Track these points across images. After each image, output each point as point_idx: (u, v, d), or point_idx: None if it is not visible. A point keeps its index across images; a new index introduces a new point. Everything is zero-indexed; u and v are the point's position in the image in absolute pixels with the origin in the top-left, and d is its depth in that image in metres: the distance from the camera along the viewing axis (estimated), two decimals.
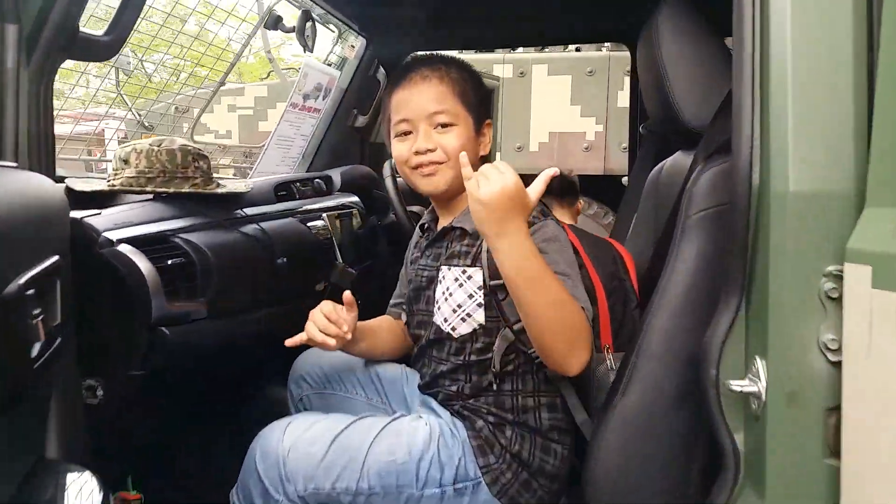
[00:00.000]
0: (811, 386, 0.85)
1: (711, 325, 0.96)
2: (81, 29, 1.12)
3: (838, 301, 0.83)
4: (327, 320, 1.29)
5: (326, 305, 1.31)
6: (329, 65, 2.60)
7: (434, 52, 1.42)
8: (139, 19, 1.23)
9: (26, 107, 0.96)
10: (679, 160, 1.33)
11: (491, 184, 1.05)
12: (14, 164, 0.94)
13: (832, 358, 0.84)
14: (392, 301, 1.56)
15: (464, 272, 1.26)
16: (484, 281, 1.23)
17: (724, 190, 1.04)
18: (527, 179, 1.21)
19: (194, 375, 1.39)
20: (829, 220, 0.84)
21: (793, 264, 0.87)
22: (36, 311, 0.78)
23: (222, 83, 2.77)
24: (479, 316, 1.24)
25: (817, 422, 0.85)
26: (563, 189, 3.98)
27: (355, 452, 1.16)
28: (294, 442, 1.16)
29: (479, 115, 1.33)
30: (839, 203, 0.84)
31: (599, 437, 1.13)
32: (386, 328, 1.50)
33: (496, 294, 1.21)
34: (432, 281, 1.32)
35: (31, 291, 0.75)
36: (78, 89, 2.86)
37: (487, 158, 1.37)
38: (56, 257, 0.86)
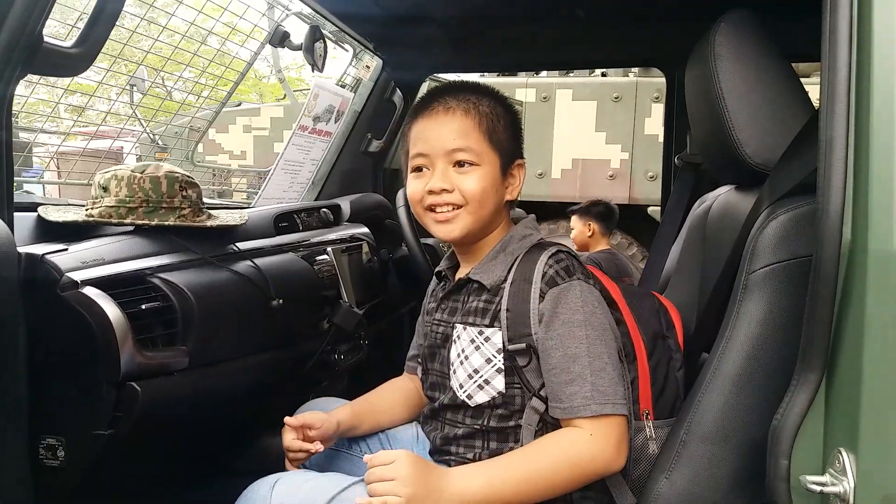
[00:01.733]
0: None
1: (783, 406, 0.79)
2: (46, 39, 0.97)
3: None
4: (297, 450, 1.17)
5: (286, 439, 1.18)
6: (343, 86, 2.47)
7: (464, 80, 1.25)
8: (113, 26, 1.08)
9: None
10: (733, 200, 1.16)
11: (398, 473, 0.98)
12: None
13: None
14: (409, 354, 1.39)
15: (481, 333, 1.11)
16: (503, 344, 1.08)
17: (798, 241, 0.87)
18: (549, 206, 1.07)
19: (171, 431, 1.22)
20: None
21: (893, 337, 0.69)
22: None
23: (225, 102, 2.64)
24: (499, 383, 1.09)
25: None
26: (603, 215, 3.87)
27: None
28: (283, 501, 1.00)
29: (508, 155, 1.17)
30: None
31: None
32: (392, 400, 1.35)
33: (516, 359, 1.07)
34: (447, 339, 1.17)
35: None
36: (98, 105, 2.78)
37: (513, 204, 1.21)
38: None
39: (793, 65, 1.06)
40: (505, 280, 1.12)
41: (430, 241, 2.10)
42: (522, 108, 4.32)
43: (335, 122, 2.40)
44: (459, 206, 1.12)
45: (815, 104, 1.05)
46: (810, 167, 0.86)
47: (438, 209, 1.13)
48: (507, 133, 1.17)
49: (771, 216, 0.90)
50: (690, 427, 0.92)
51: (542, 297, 1.07)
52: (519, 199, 1.24)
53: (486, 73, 5.32)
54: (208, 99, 2.99)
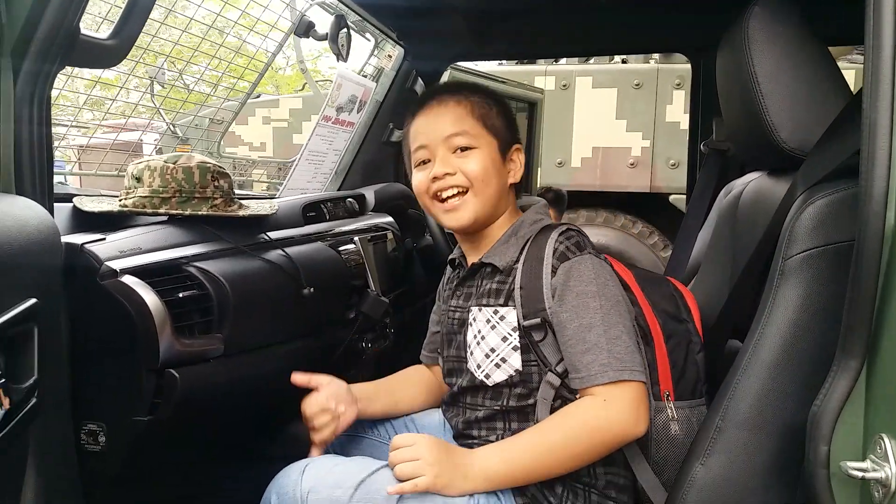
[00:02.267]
0: None
1: (823, 392, 0.78)
2: (83, 31, 0.98)
3: None
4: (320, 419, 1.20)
5: (307, 403, 1.20)
6: (364, 76, 2.47)
7: (456, 80, 1.28)
8: (162, 24, 1.09)
9: (11, 120, 0.83)
10: (766, 186, 1.15)
11: (422, 454, 1.02)
12: None
13: None
14: (425, 343, 1.42)
15: (496, 312, 1.13)
16: (518, 321, 1.10)
17: (836, 226, 0.86)
18: (570, 195, 1.08)
19: (208, 418, 1.24)
20: None
21: None
22: None
23: (250, 94, 2.65)
24: (516, 361, 1.11)
25: None
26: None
27: (384, 502, 1.00)
28: (314, 484, 1.02)
29: (505, 140, 1.21)
30: None
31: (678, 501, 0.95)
32: (410, 382, 1.38)
33: (531, 335, 1.09)
34: (463, 323, 1.20)
35: None
36: (119, 98, 2.81)
37: (519, 186, 1.24)
38: (31, 301, 0.72)
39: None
40: (517, 261, 1.14)
41: None
42: (542, 96, 4.28)
43: (357, 112, 2.41)
44: (465, 191, 1.15)
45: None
46: (849, 151, 0.85)
47: (446, 196, 1.16)
48: (500, 119, 1.21)
49: (808, 201, 0.89)
50: (726, 413, 0.92)
51: (553, 271, 1.10)
52: (542, 187, 1.26)
53: (504, 62, 5.30)
54: (232, 90, 3.01)
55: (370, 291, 1.61)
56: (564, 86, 5.02)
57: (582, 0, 2.09)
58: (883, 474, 0.72)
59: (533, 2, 2.15)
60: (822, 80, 1.00)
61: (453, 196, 1.16)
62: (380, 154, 2.53)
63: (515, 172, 1.22)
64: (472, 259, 1.24)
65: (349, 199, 1.90)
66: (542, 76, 5.06)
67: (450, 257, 1.33)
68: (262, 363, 1.29)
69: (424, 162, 1.19)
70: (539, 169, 4.69)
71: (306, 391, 1.22)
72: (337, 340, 1.55)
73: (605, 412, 1.01)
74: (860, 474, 0.74)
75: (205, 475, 1.39)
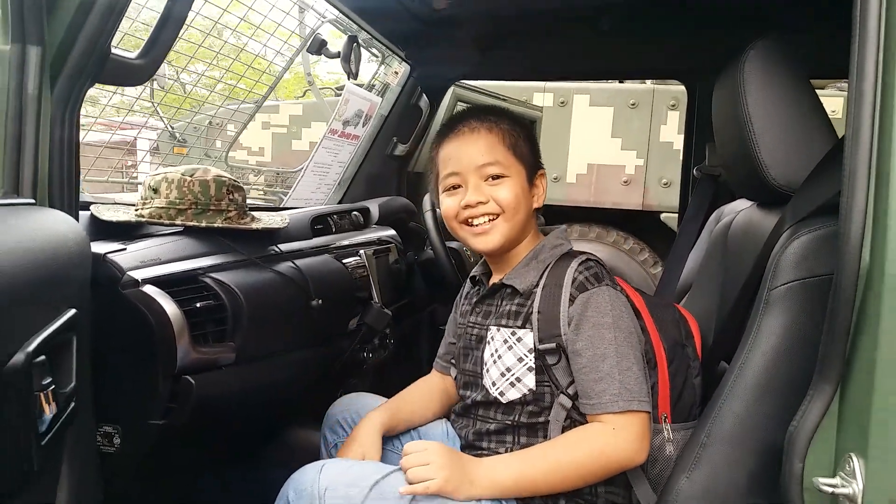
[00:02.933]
0: None
1: (800, 413, 0.85)
2: (114, 50, 1.04)
3: None
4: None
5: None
6: (370, 90, 2.53)
7: (483, 104, 1.34)
8: (176, 40, 1.15)
9: (48, 136, 0.88)
10: (755, 217, 1.21)
11: (432, 460, 1.08)
12: (32, 202, 0.86)
13: None
14: (440, 352, 1.46)
15: (513, 334, 1.19)
16: (534, 344, 1.15)
17: (819, 261, 0.93)
18: (564, 210, 1.15)
19: (219, 423, 1.30)
20: None
21: None
22: (46, 382, 0.69)
23: (261, 104, 2.71)
24: (530, 381, 1.16)
25: None
26: None
27: (396, 502, 1.06)
28: (331, 483, 1.07)
29: (531, 166, 1.26)
30: None
31: None
32: (425, 397, 1.42)
33: (546, 358, 1.14)
34: (481, 340, 1.25)
35: (41, 358, 0.66)
36: (115, 97, 2.83)
37: (538, 212, 1.29)
38: (72, 311, 0.77)
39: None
40: (537, 285, 1.19)
41: (454, 244, 2.17)
42: (541, 115, 4.35)
43: (363, 125, 2.47)
44: (496, 216, 1.19)
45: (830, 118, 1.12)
46: (832, 191, 0.92)
47: (476, 222, 1.20)
48: (527, 146, 1.26)
49: (793, 236, 0.96)
50: (711, 431, 0.99)
51: (571, 300, 1.14)
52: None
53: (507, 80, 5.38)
54: (230, 94, 3.06)
55: (374, 303, 1.67)
56: (562, 103, 5.10)
57: (582, 26, 2.17)
58: (851, 490, 0.79)
59: (534, 25, 2.22)
60: (810, 123, 1.07)
61: (484, 222, 1.21)
62: (383, 167, 2.60)
63: (539, 197, 1.27)
64: (496, 276, 1.29)
65: (354, 213, 1.96)
66: (541, 93, 5.14)
67: (471, 274, 1.37)
68: (271, 371, 1.35)
69: (455, 187, 1.23)
70: None
71: (313, 398, 1.28)
72: (340, 350, 1.60)
73: (614, 440, 1.07)
74: (830, 489, 0.80)
75: (214, 478, 1.44)
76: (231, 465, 1.50)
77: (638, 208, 4.98)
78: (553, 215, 4.64)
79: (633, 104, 4.96)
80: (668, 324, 1.28)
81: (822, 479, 0.81)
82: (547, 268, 1.20)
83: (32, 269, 0.71)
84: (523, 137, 1.26)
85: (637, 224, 5.08)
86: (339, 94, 5.71)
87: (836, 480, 0.81)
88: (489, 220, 1.20)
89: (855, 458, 0.79)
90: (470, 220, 1.21)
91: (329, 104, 5.55)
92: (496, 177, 1.21)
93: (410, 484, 1.07)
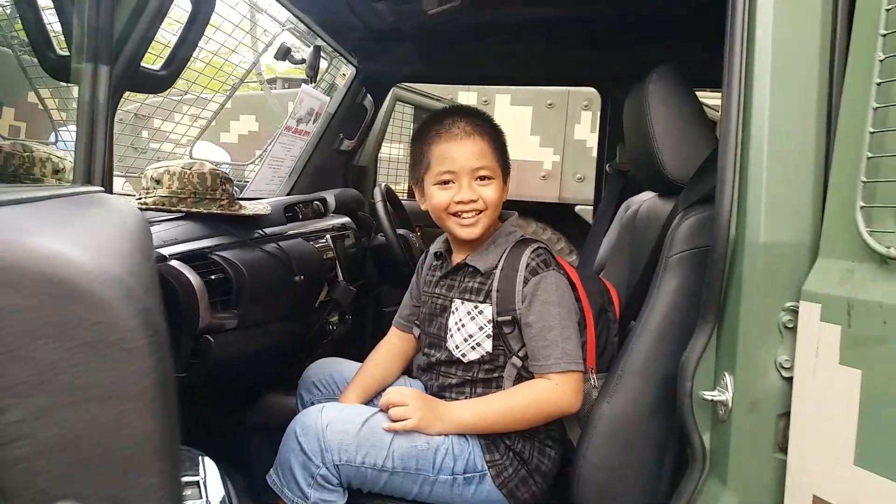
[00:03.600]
0: (768, 396, 1.06)
1: (689, 347, 1.17)
2: (142, 65, 1.25)
3: (793, 330, 1.04)
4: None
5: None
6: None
7: (464, 105, 1.54)
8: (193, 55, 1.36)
9: (105, 131, 1.08)
10: (657, 205, 1.55)
11: (409, 403, 1.35)
12: (101, 189, 1.06)
13: (785, 374, 1.05)
14: (402, 312, 1.70)
15: (476, 307, 1.44)
16: (493, 316, 1.41)
17: (702, 236, 1.25)
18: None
19: (221, 382, 1.51)
20: (790, 265, 1.05)
21: (759, 300, 1.08)
22: None
23: (224, 103, 2.88)
24: (488, 345, 1.43)
25: (770, 424, 1.06)
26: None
27: (383, 435, 1.32)
28: (331, 419, 1.32)
29: (506, 167, 1.50)
30: (798, 252, 1.05)
31: (587, 440, 1.32)
32: (385, 365, 1.64)
33: (502, 328, 1.41)
34: (445, 310, 1.49)
35: None
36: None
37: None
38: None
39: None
40: (496, 267, 1.44)
41: (402, 231, 2.42)
42: None
43: (313, 123, 2.69)
44: (480, 212, 1.42)
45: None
46: (711, 185, 1.24)
47: (465, 215, 1.42)
48: (504, 150, 1.50)
49: (684, 218, 1.28)
50: (625, 367, 1.30)
51: (525, 282, 1.40)
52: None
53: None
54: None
55: (340, 281, 1.91)
56: (485, 102, 5.41)
57: (511, 38, 2.47)
58: (725, 398, 1.11)
59: (468, 37, 2.49)
60: (698, 131, 1.40)
61: (472, 215, 1.42)
62: (330, 161, 2.81)
63: (505, 193, 1.50)
64: (457, 257, 1.52)
65: (315, 202, 2.18)
66: (466, 92, 5.44)
67: (434, 250, 1.59)
68: (263, 338, 1.57)
69: (446, 182, 1.42)
70: None
71: (287, 366, 1.50)
72: (312, 322, 1.84)
73: (555, 393, 1.35)
74: (711, 398, 1.12)
75: (205, 437, 1.64)
76: (226, 423, 1.71)
77: (555, 201, 5.33)
78: None
79: (549, 104, 5.31)
80: (595, 293, 1.59)
81: (705, 392, 1.13)
82: (504, 252, 1.45)
83: (129, 243, 0.92)
84: (502, 142, 1.49)
85: (554, 216, 5.42)
86: (266, 87, 5.76)
87: (715, 392, 1.13)
88: (476, 214, 1.42)
89: (727, 375, 1.11)
90: (460, 213, 1.42)
91: (263, 97, 5.65)
92: (484, 178, 1.42)
93: (393, 422, 1.33)
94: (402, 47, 2.55)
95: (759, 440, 1.07)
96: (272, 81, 6.25)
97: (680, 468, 1.21)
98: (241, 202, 1.67)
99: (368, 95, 2.80)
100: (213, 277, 1.39)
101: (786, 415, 1.05)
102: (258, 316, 1.52)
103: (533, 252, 1.43)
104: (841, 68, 1.05)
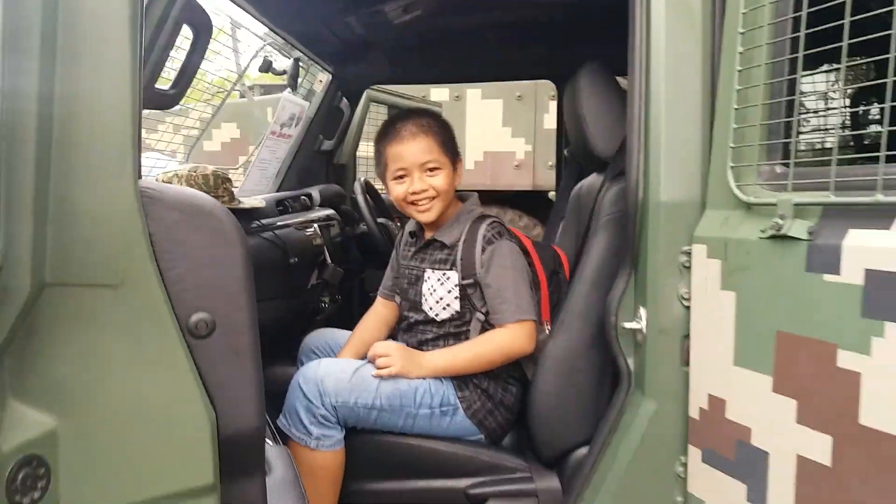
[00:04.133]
0: (673, 323, 1.34)
1: (613, 289, 1.45)
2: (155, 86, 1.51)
3: (689, 268, 1.32)
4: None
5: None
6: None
7: (414, 107, 1.84)
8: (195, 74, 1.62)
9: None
10: (594, 180, 1.83)
11: (392, 353, 1.62)
12: None
13: (685, 304, 1.33)
14: (385, 283, 1.99)
15: (444, 274, 1.72)
16: (459, 281, 1.69)
17: (620, 202, 1.53)
18: (465, 194, 1.72)
19: None
20: (685, 217, 1.32)
21: (663, 247, 1.35)
22: None
23: (214, 115, 3.13)
24: (456, 305, 1.71)
25: (677, 345, 1.34)
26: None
27: (371, 380, 1.60)
28: (327, 370, 1.60)
29: (454, 156, 1.77)
30: (690, 207, 1.32)
31: (539, 373, 1.60)
32: (373, 331, 1.93)
33: (466, 290, 1.69)
34: (419, 279, 1.77)
35: None
36: None
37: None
38: None
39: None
40: (459, 240, 1.72)
41: (381, 220, 2.69)
42: (441, 111, 4.89)
43: (295, 126, 2.94)
44: (433, 198, 1.70)
45: None
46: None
47: (420, 203, 1.71)
48: (451, 142, 1.77)
49: (609, 188, 1.56)
50: (567, 311, 1.58)
51: (483, 250, 1.68)
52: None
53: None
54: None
55: (330, 264, 2.18)
56: (457, 97, 5.68)
57: (473, 39, 2.73)
58: (640, 326, 1.39)
59: (432, 40, 2.75)
60: (619, 115, 1.68)
61: (425, 202, 1.70)
62: (312, 160, 3.06)
63: (458, 178, 1.78)
64: (427, 234, 1.80)
65: (303, 197, 2.44)
66: (438, 88, 5.70)
67: (409, 230, 1.87)
68: (266, 312, 1.82)
69: (401, 177, 1.70)
70: None
71: (286, 339, 1.78)
72: (307, 301, 2.10)
73: (512, 339, 1.63)
74: (630, 327, 1.40)
75: None
76: None
77: (529, 189, 5.61)
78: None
79: (518, 96, 5.58)
80: (547, 258, 1.87)
81: (626, 323, 1.41)
82: (465, 227, 1.73)
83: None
84: (448, 136, 1.76)
85: (529, 203, 5.70)
86: (249, 95, 5.98)
87: (633, 323, 1.41)
88: (429, 201, 1.71)
89: (642, 309, 1.39)
90: (415, 202, 1.71)
91: (243, 104, 5.88)
92: (432, 169, 1.70)
93: (379, 369, 1.61)
94: (372, 54, 2.80)
95: (668, 358, 1.35)
96: (250, 89, 6.47)
97: (615, 387, 1.49)
98: (239, 199, 1.93)
99: (344, 99, 3.05)
100: None
101: (687, 336, 1.33)
102: (261, 293, 1.77)
103: (489, 225, 1.71)
104: (718, 61, 1.33)
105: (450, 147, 1.76)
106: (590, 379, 1.56)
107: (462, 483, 1.61)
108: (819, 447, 1.04)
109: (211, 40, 2.93)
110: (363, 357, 1.82)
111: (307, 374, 1.59)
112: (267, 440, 1.21)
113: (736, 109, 1.23)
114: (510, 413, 1.70)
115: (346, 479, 1.62)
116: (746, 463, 1.18)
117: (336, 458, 1.58)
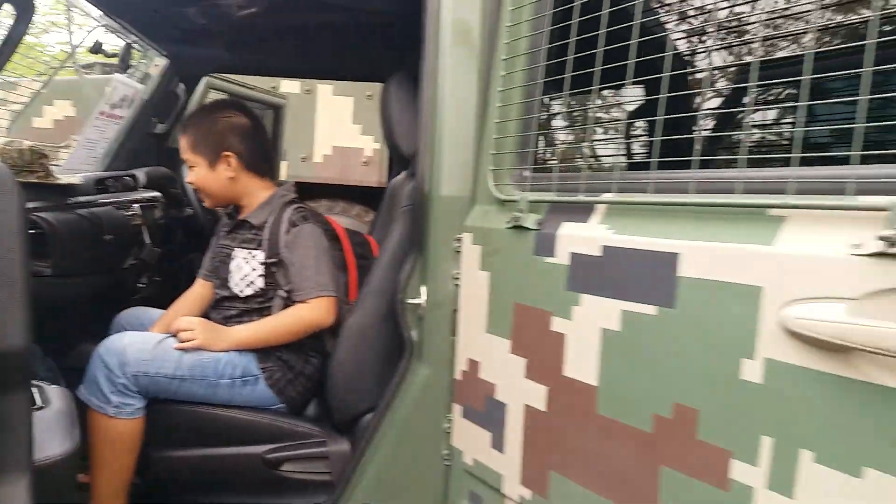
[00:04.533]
0: (446, 299, 1.56)
1: (402, 270, 1.65)
2: None
3: (460, 252, 1.55)
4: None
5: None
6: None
7: (201, 106, 1.99)
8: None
9: None
10: (403, 176, 2.04)
11: (195, 327, 1.73)
12: None
13: (456, 283, 1.55)
14: (204, 264, 2.10)
15: (250, 253, 1.86)
16: (264, 259, 1.84)
17: (413, 195, 1.75)
18: (313, 186, 1.86)
19: (39, 323, 1.79)
20: (460, 210, 1.54)
21: (441, 234, 1.56)
22: None
23: (41, 90, 3.02)
24: (260, 283, 1.85)
25: (448, 317, 1.56)
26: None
27: (174, 352, 1.69)
28: (131, 341, 1.68)
29: (212, 154, 1.90)
30: (464, 201, 1.55)
31: (338, 344, 1.78)
32: (194, 303, 2.06)
33: (271, 268, 1.83)
34: (228, 256, 1.90)
35: None
36: None
37: (267, 169, 1.97)
38: None
39: None
40: (266, 221, 1.87)
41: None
42: (286, 103, 4.93)
43: (128, 108, 2.93)
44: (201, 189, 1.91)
45: None
46: None
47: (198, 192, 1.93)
48: (208, 141, 1.90)
49: (407, 183, 1.77)
50: (367, 288, 1.78)
51: (287, 231, 1.83)
52: (290, 178, 2.00)
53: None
54: None
55: (148, 244, 2.23)
56: (308, 91, 5.74)
57: (305, 36, 2.85)
58: (421, 302, 1.60)
59: (268, 34, 2.84)
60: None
61: (201, 192, 1.91)
62: (143, 143, 3.06)
63: (229, 169, 1.90)
64: (240, 216, 1.93)
65: (126, 177, 2.46)
66: (290, 81, 5.73)
67: (226, 211, 2.01)
68: (76, 287, 1.87)
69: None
70: (286, 162, 5.38)
71: (96, 318, 1.85)
72: (122, 279, 2.15)
73: (311, 313, 1.79)
74: (414, 302, 1.61)
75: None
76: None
77: (375, 185, 5.80)
78: (304, 190, 5.26)
79: (369, 96, 5.72)
80: (356, 245, 2.06)
81: (410, 300, 1.62)
82: (274, 210, 1.88)
83: None
84: (202, 135, 1.89)
85: (377, 199, 5.86)
86: (81, 73, 5.74)
87: (417, 300, 1.62)
88: (201, 192, 1.91)
89: (423, 287, 1.61)
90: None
91: (80, 82, 5.61)
92: (191, 166, 1.88)
93: (182, 342, 1.71)
94: (211, 42, 2.85)
95: (441, 329, 1.57)
96: (90, 66, 6.18)
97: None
98: (56, 175, 1.95)
99: (181, 84, 3.07)
100: (31, 232, 1.68)
101: (456, 310, 1.56)
102: (70, 267, 1.82)
103: (295, 210, 1.87)
104: (489, 81, 1.56)
105: (204, 146, 1.90)
106: (380, 350, 1.76)
107: (260, 449, 1.75)
108: (539, 396, 1.30)
109: (49, 12, 2.87)
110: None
111: (109, 346, 1.66)
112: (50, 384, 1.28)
113: (496, 123, 1.47)
114: (311, 382, 1.86)
115: (148, 447, 1.71)
116: (491, 414, 1.43)
117: (135, 426, 1.67)
